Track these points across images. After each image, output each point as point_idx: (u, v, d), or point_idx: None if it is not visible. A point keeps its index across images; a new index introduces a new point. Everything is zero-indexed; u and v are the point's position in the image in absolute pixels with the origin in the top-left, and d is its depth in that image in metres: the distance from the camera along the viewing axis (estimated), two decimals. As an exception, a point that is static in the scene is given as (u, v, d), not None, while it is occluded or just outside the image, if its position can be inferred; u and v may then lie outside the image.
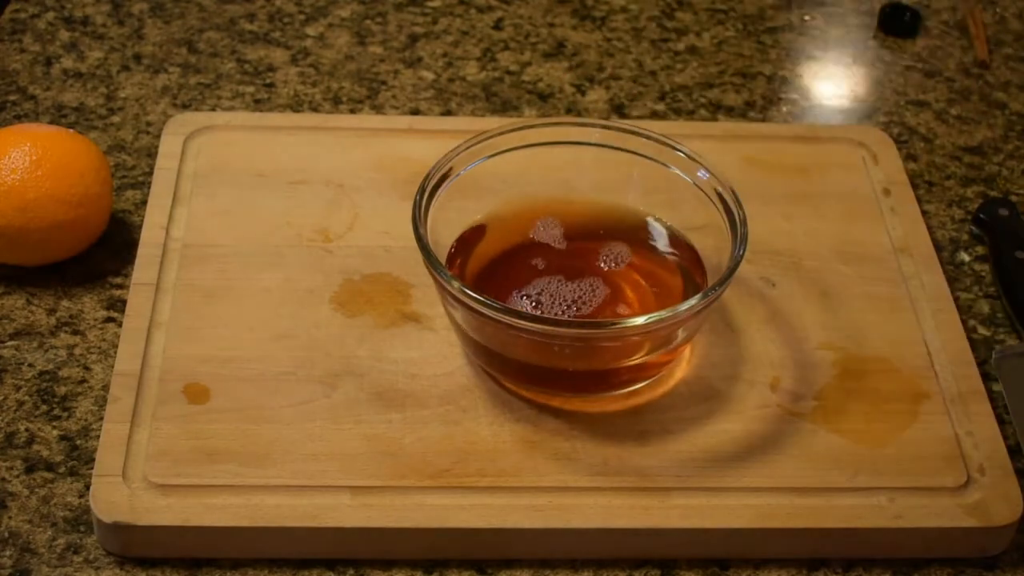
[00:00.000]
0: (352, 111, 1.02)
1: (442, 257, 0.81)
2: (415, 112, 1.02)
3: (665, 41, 1.11)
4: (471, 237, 0.85)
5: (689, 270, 0.84)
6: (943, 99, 1.07)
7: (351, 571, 0.75)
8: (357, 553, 0.75)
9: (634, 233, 0.86)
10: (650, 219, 0.86)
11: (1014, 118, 1.06)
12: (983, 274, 0.93)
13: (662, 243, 0.86)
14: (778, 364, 0.84)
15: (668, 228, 0.86)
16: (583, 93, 1.05)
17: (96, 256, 0.90)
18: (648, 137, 0.85)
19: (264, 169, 0.94)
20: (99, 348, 0.84)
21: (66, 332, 0.85)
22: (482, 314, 0.76)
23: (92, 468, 0.76)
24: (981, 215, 0.95)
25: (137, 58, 1.05)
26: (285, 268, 0.87)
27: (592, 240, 0.85)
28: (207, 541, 0.74)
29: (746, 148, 0.98)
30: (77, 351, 0.84)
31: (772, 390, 0.82)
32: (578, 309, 0.81)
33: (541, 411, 0.80)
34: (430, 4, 1.13)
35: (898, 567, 0.77)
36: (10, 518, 0.76)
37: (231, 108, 1.01)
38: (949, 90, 1.08)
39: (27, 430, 0.80)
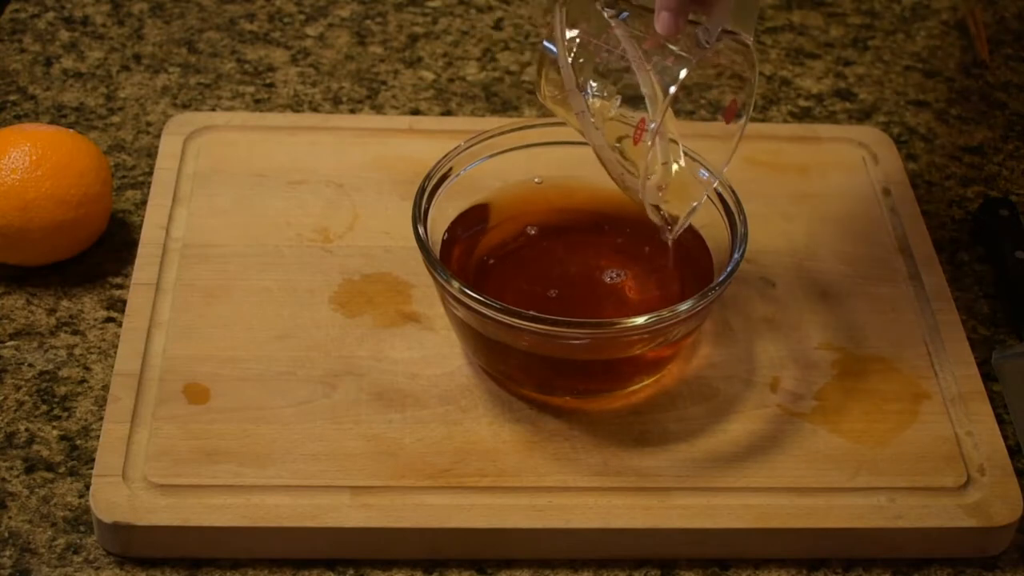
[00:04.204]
0: (352, 111, 1.02)
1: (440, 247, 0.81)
2: (415, 112, 1.02)
3: (665, 41, 1.11)
4: (472, 220, 0.85)
5: (694, 264, 0.83)
6: (943, 99, 1.07)
7: (351, 571, 0.75)
8: (357, 553, 0.75)
9: (640, 224, 0.85)
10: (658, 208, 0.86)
11: (1014, 118, 1.06)
12: (983, 274, 0.93)
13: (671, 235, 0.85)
14: (778, 364, 0.84)
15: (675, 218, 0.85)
16: (583, 93, 1.05)
17: (96, 256, 0.89)
18: (648, 137, 0.85)
19: (264, 169, 0.94)
20: (99, 348, 0.84)
21: (66, 332, 0.85)
22: (482, 314, 0.76)
23: (92, 468, 0.76)
24: (981, 215, 0.95)
25: (137, 58, 1.05)
26: (285, 268, 0.87)
27: (595, 233, 0.85)
28: (207, 541, 0.74)
29: (746, 148, 0.97)
30: (77, 351, 0.84)
31: (772, 390, 0.82)
32: (579, 303, 0.81)
33: (541, 411, 0.80)
34: (430, 4, 1.13)
35: (898, 567, 0.77)
36: (10, 518, 0.76)
37: (231, 108, 1.01)
38: (949, 90, 1.08)
39: (27, 430, 0.80)
